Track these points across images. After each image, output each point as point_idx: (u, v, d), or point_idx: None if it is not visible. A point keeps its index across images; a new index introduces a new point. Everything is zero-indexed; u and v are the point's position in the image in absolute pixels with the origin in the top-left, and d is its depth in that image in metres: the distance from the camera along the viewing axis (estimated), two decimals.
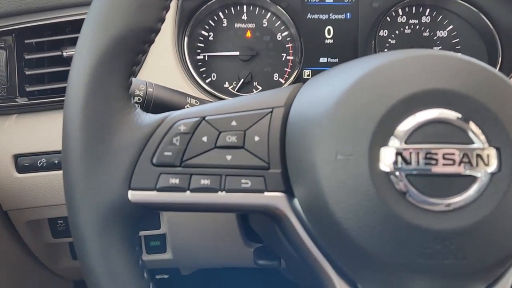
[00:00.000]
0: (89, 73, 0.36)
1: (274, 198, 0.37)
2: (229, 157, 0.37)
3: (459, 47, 0.75)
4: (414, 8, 0.75)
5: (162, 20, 0.38)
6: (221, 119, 0.37)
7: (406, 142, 0.33)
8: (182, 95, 0.52)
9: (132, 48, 0.37)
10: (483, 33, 0.72)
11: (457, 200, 0.33)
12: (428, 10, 0.75)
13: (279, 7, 0.73)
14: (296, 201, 0.37)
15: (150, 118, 0.37)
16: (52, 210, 0.68)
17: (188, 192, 0.36)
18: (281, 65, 0.75)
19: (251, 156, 0.37)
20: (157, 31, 0.38)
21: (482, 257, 0.33)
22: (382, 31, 0.75)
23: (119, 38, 0.36)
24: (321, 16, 0.75)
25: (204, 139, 0.37)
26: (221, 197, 0.36)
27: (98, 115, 0.36)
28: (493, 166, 0.33)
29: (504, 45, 0.71)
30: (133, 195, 0.36)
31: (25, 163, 0.63)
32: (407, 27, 0.76)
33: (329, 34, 0.76)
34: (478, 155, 0.33)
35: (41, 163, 0.63)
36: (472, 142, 0.33)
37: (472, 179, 0.33)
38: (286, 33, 0.74)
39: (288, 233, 0.39)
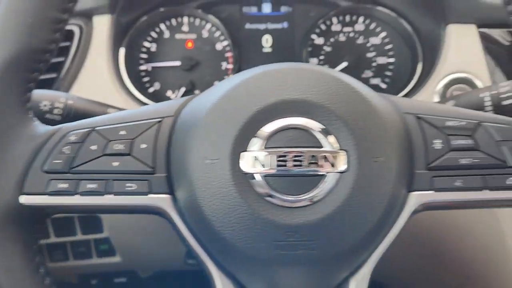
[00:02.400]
0: None
1: (158, 199, 0.40)
2: (116, 164, 0.40)
3: (392, 53, 0.78)
4: (348, 16, 0.79)
5: (56, 42, 0.41)
6: (110, 129, 0.41)
7: (264, 147, 0.37)
8: (102, 105, 0.56)
9: (26, 68, 0.40)
10: (407, 40, 0.76)
11: (307, 197, 0.36)
12: (361, 18, 0.79)
13: (217, 18, 0.77)
14: (179, 202, 0.41)
15: (45, 129, 0.41)
16: None
17: (77, 195, 0.40)
18: (221, 74, 0.78)
19: (137, 162, 0.40)
20: (51, 51, 0.41)
21: (330, 248, 0.37)
22: (318, 38, 0.79)
23: (11, 59, 0.39)
24: (259, 26, 0.79)
25: (93, 147, 0.40)
26: (107, 199, 0.40)
27: None
28: (341, 166, 0.36)
29: (426, 51, 0.74)
30: (25, 199, 0.39)
31: None
32: (341, 35, 0.79)
33: (267, 43, 0.79)
34: (327, 157, 0.36)
35: None
36: (321, 146, 0.37)
37: (321, 178, 0.36)
38: (225, 43, 0.78)
39: (176, 232, 0.42)
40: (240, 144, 0.37)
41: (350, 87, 0.38)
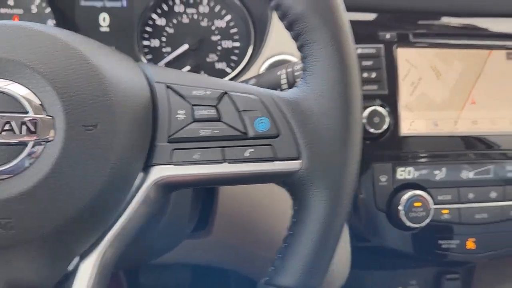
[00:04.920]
0: None
1: None
2: None
3: (237, 37, 0.76)
4: None
5: None
6: None
7: None
8: None
9: None
10: (245, 22, 0.74)
11: (3, 169, 0.32)
12: (205, 0, 0.76)
13: None
14: None
15: None
16: None
17: None
18: None
19: None
20: None
21: (33, 228, 0.32)
22: (159, 19, 0.75)
23: None
24: (95, 4, 0.74)
25: None
26: None
27: None
28: (46, 135, 0.33)
29: (257, 33, 0.72)
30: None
31: None
32: (185, 16, 0.76)
33: (104, 22, 0.74)
34: (27, 124, 0.32)
35: None
36: (24, 111, 0.33)
37: (23, 148, 0.32)
38: (56, 21, 0.73)
39: None
40: None
41: (69, 48, 0.34)
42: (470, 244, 0.64)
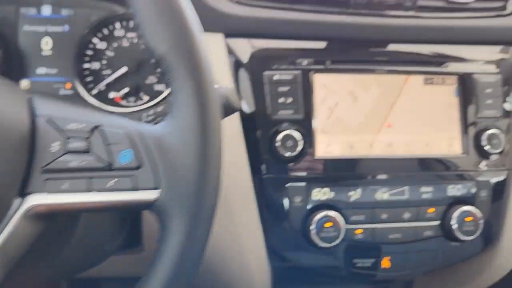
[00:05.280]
0: None
1: None
2: None
3: None
4: (132, 22, 0.79)
5: None
6: None
7: None
8: None
9: None
10: None
11: None
12: None
13: None
14: None
15: None
16: None
17: None
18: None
19: None
20: None
21: None
22: (100, 43, 0.78)
23: None
24: (38, 28, 0.78)
25: None
26: None
27: None
28: None
29: None
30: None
31: None
32: (125, 40, 0.79)
33: (47, 45, 0.78)
34: None
35: None
36: None
37: None
38: None
39: None
40: None
41: None
42: (386, 263, 0.67)
